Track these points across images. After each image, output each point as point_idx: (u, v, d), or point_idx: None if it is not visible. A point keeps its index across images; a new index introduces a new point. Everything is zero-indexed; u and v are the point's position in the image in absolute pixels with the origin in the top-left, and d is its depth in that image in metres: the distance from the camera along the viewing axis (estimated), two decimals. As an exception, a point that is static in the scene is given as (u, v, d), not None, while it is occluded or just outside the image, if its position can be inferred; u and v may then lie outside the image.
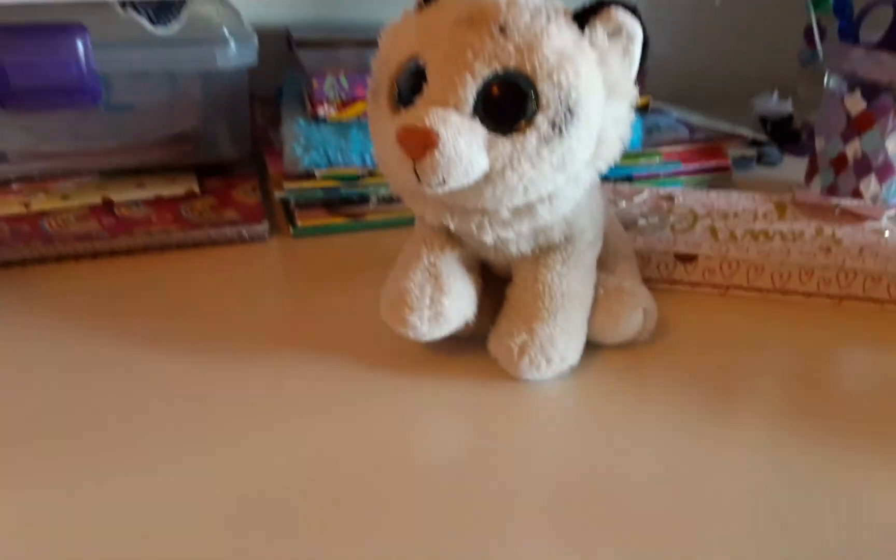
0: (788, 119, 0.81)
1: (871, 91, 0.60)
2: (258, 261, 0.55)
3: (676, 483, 0.36)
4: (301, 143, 0.58)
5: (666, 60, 0.86)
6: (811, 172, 0.67)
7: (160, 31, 0.57)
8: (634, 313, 0.43)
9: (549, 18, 0.35)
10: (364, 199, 0.60)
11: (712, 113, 0.78)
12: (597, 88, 0.36)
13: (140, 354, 0.44)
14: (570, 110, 0.35)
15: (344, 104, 0.59)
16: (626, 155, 0.42)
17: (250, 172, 0.64)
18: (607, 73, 0.36)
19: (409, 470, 0.36)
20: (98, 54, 0.55)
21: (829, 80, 0.63)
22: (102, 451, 0.36)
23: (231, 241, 0.56)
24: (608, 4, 0.36)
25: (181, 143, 0.62)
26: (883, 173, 0.61)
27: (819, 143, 0.64)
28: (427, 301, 0.40)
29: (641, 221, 0.54)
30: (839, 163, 0.63)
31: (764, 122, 0.81)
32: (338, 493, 0.34)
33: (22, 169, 0.58)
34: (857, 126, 0.61)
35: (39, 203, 0.55)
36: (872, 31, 0.61)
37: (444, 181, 0.34)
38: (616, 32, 0.36)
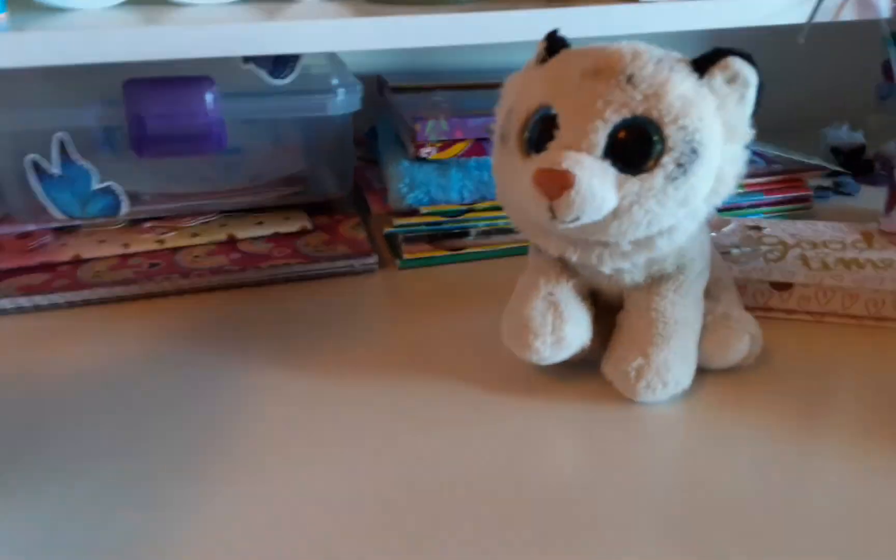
0: (860, 149, 0.83)
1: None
2: (370, 291, 0.60)
3: (778, 500, 0.38)
4: (406, 182, 0.62)
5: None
6: (892, 202, 0.68)
7: (277, 82, 0.63)
8: (742, 340, 0.46)
9: (671, 68, 0.39)
10: (464, 233, 0.64)
11: (783, 143, 0.80)
12: (716, 131, 0.39)
13: (272, 376, 0.48)
14: (693, 151, 0.38)
15: (444, 145, 0.63)
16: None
17: (352, 210, 0.69)
18: (726, 117, 0.39)
19: (528, 490, 0.39)
20: (223, 104, 0.61)
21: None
22: (249, 459, 0.41)
23: (344, 273, 0.61)
24: (726, 54, 0.39)
25: (292, 183, 0.67)
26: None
27: (900, 174, 0.66)
28: (549, 328, 0.44)
29: (735, 251, 0.57)
30: (921, 193, 0.65)
31: (835, 152, 0.83)
32: (454, 515, 0.37)
33: (154, 209, 0.64)
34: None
35: (172, 240, 0.61)
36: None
37: (578, 218, 0.38)
38: (733, 79, 0.39)
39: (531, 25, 0.54)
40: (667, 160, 0.38)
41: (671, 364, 0.43)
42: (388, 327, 0.55)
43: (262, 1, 0.59)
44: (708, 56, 0.40)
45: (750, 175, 0.71)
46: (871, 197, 0.74)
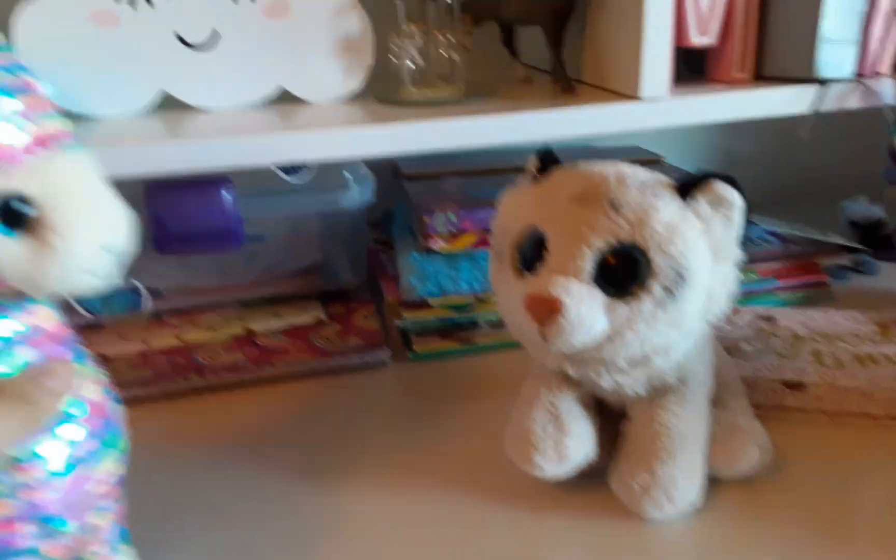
0: (879, 223, 0.81)
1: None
2: (380, 386, 0.61)
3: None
4: (416, 275, 0.64)
5: (754, 166, 0.89)
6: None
7: (293, 180, 0.65)
8: (750, 450, 0.45)
9: (655, 194, 0.39)
10: (474, 325, 0.65)
11: (800, 216, 0.80)
12: (703, 253, 0.39)
13: (281, 477, 0.49)
14: (680, 275, 0.38)
15: (453, 237, 0.64)
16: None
17: (366, 297, 0.71)
18: (712, 240, 0.40)
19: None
20: (241, 202, 0.63)
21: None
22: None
23: (356, 368, 0.62)
24: (709, 178, 0.40)
25: (308, 274, 0.69)
26: None
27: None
28: (550, 442, 0.44)
29: (745, 346, 0.56)
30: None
31: (854, 225, 0.82)
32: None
33: (173, 303, 0.66)
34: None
35: (191, 335, 0.63)
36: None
37: (568, 343, 0.38)
38: (717, 202, 0.40)
39: (538, 127, 0.55)
40: (654, 285, 0.38)
41: (677, 479, 0.43)
42: (398, 424, 0.55)
43: (279, 103, 0.62)
44: (691, 180, 0.40)
45: (764, 259, 0.71)
46: (891, 276, 0.73)
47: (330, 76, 0.61)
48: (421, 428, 0.54)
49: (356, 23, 0.60)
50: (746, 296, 0.67)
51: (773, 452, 0.47)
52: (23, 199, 0.29)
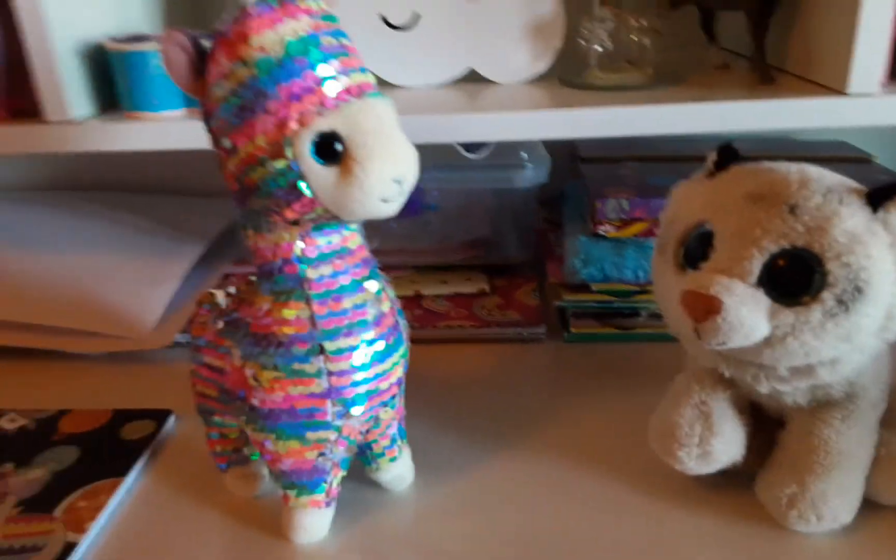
0: None
1: None
2: (534, 360, 0.63)
3: None
4: (581, 258, 0.64)
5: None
6: None
7: (473, 156, 0.68)
8: (918, 481, 0.42)
9: (840, 200, 0.37)
10: (634, 313, 0.65)
11: None
12: (888, 269, 0.37)
13: (428, 431, 0.53)
14: (857, 289, 0.36)
15: (623, 224, 0.64)
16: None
17: (531, 274, 0.73)
18: (901, 255, 0.37)
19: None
20: (423, 175, 0.67)
21: None
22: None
23: (512, 340, 0.64)
24: (905, 189, 0.37)
25: (476, 247, 0.73)
26: None
27: None
28: (696, 439, 0.43)
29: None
30: None
31: None
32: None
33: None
34: None
35: (367, 291, 0.69)
36: None
37: (723, 343, 0.38)
38: (912, 216, 0.37)
39: (728, 118, 0.54)
40: (826, 296, 0.36)
41: (829, 497, 0.41)
42: (546, 399, 0.58)
43: (466, 83, 0.65)
44: (884, 189, 0.37)
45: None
46: None
47: (519, 58, 0.62)
48: (569, 406, 0.56)
49: (549, 5, 0.61)
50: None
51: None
52: (334, 136, 0.35)
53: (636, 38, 0.62)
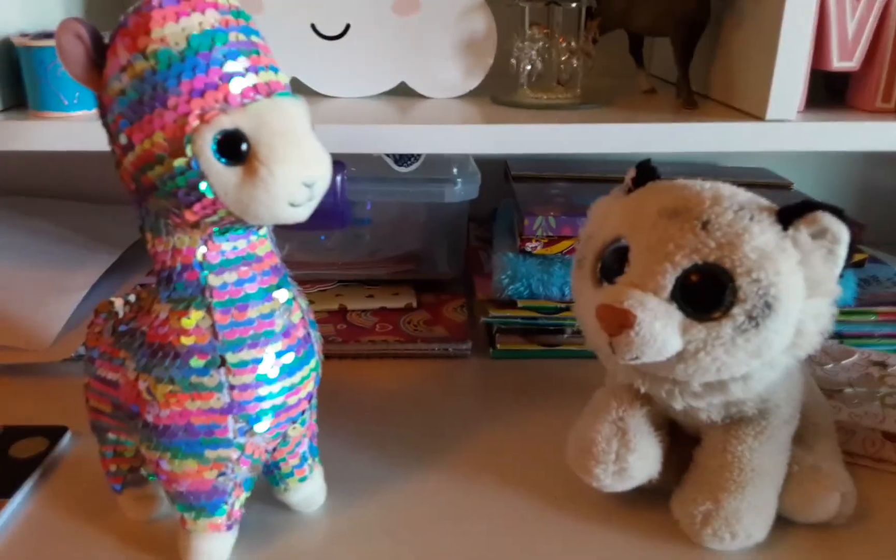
0: None
1: None
2: (459, 376, 0.62)
3: None
4: (508, 274, 0.64)
5: (887, 200, 0.82)
6: None
7: (402, 170, 0.67)
8: (830, 497, 0.43)
9: (752, 217, 0.38)
10: (559, 330, 0.64)
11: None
12: (797, 286, 0.37)
13: (346, 444, 0.52)
14: (767, 305, 0.36)
15: (550, 241, 0.64)
16: (839, 312, 0.40)
17: (460, 290, 0.72)
18: (809, 273, 0.37)
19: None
20: (351, 186, 0.66)
21: None
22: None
23: (438, 356, 0.63)
24: (814, 208, 0.37)
25: (407, 261, 0.72)
26: None
27: None
28: (613, 456, 0.43)
29: (848, 390, 0.52)
30: None
31: None
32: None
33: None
34: None
35: (291, 305, 0.67)
36: None
37: (636, 358, 0.38)
38: (820, 234, 0.37)
39: (651, 139, 0.54)
40: (737, 311, 0.37)
41: (742, 514, 0.41)
42: (469, 417, 0.56)
43: (397, 96, 0.64)
44: (794, 208, 0.38)
45: (887, 302, 0.66)
46: None
47: (451, 74, 0.62)
48: (491, 424, 0.55)
49: (483, 23, 0.61)
50: (861, 338, 0.62)
51: (860, 503, 0.43)
52: (238, 135, 0.33)
53: (566, 60, 0.62)
